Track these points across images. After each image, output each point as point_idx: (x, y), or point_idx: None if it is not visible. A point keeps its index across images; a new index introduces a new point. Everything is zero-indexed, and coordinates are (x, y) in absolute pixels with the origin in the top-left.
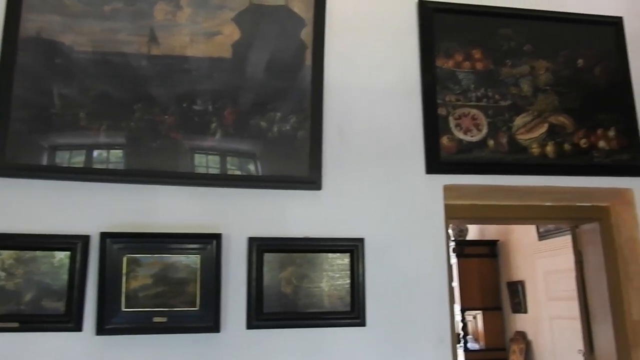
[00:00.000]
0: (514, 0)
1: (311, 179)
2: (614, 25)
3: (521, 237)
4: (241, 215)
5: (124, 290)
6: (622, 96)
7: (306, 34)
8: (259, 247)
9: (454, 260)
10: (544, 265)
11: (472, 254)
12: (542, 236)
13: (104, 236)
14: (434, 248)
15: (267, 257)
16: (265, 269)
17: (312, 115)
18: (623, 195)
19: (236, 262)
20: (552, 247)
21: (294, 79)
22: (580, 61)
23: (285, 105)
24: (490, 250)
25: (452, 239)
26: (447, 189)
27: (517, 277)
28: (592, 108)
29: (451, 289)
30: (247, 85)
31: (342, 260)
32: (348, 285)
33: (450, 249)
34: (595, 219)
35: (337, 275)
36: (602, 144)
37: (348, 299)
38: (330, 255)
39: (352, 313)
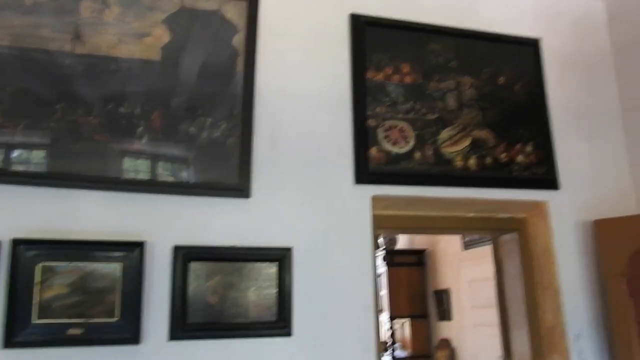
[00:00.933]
0: (443, 18)
1: (240, 187)
2: (532, 46)
3: (447, 247)
4: (167, 223)
5: (36, 300)
6: (539, 113)
7: (238, 40)
8: (185, 255)
9: (383, 269)
10: (468, 274)
11: (401, 262)
12: (466, 246)
13: (16, 243)
14: (361, 257)
15: (193, 265)
16: (191, 278)
17: (242, 122)
18: (539, 207)
19: (160, 271)
20: (475, 257)
21: (225, 85)
22: (501, 78)
23: (215, 111)
24: (418, 259)
25: (382, 248)
26: (376, 199)
27: (443, 285)
28: (511, 123)
29: (377, 299)
30: (177, 89)
31: (270, 269)
32: (275, 295)
33: (380, 258)
34: (514, 230)
35: (265, 284)
36: (520, 158)
37: (275, 308)
38: (258, 264)
39: (279, 323)
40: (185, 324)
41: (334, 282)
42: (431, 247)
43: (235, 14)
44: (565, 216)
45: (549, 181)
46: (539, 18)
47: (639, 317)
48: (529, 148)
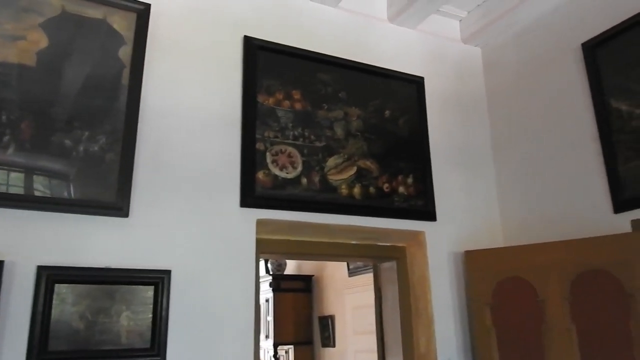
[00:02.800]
0: (334, 49)
1: (118, 205)
2: (416, 84)
3: (334, 273)
4: (32, 241)
5: None
6: (420, 147)
7: (125, 53)
8: (50, 276)
9: (270, 294)
10: (353, 300)
11: (288, 288)
12: (351, 272)
13: None
14: (244, 282)
15: (59, 288)
16: (56, 301)
17: (124, 138)
18: (417, 237)
19: (20, 293)
20: (360, 283)
21: (108, 97)
22: (387, 112)
23: (95, 124)
24: (305, 285)
25: (271, 273)
26: (260, 223)
27: (328, 311)
28: (395, 156)
29: (258, 324)
30: (53, 98)
31: (146, 293)
32: (150, 320)
33: (267, 283)
34: (393, 258)
35: (139, 309)
36: (401, 189)
37: (149, 334)
38: (132, 287)
39: (152, 350)
40: (47, 352)
41: (214, 307)
42: (318, 273)
43: (123, 25)
44: (440, 246)
45: (427, 213)
46: (423, 58)
47: (500, 344)
48: (409, 180)
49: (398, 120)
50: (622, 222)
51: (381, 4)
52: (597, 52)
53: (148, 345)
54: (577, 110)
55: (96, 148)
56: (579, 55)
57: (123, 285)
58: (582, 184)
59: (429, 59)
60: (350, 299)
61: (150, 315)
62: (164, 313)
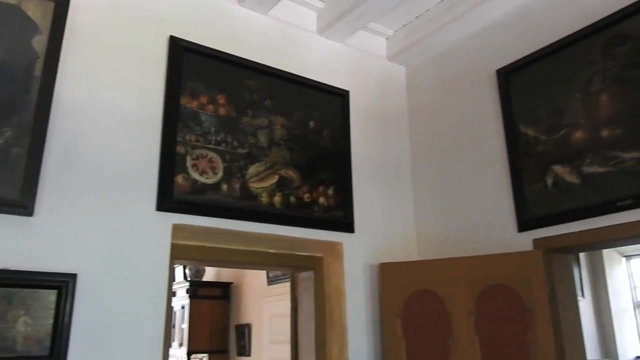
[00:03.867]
0: (262, 57)
1: (22, 203)
2: (341, 97)
3: (253, 281)
4: None
5: None
6: (342, 160)
7: (39, 42)
8: None
9: (186, 301)
10: (270, 309)
11: (205, 295)
12: (271, 281)
13: None
14: (155, 288)
15: None
16: None
17: (33, 133)
18: (335, 248)
19: None
20: (278, 292)
21: (17, 88)
22: (311, 123)
23: (1, 116)
24: (223, 292)
25: (188, 279)
26: (176, 228)
27: (245, 320)
28: (317, 166)
29: (168, 333)
30: None
31: (48, 297)
32: (50, 326)
33: (184, 290)
34: (311, 268)
35: (40, 314)
36: (322, 200)
37: (48, 341)
38: (33, 291)
39: (50, 358)
40: None
41: (122, 314)
42: (237, 280)
43: (38, 13)
44: (357, 258)
45: (346, 224)
46: (350, 72)
47: (410, 355)
48: (330, 191)
49: (322, 131)
50: (526, 240)
51: (311, 16)
52: (510, 78)
53: (47, 353)
54: (489, 132)
55: (1, 141)
56: (493, 80)
57: (22, 289)
58: (492, 203)
59: (355, 73)
60: (268, 307)
61: (52, 321)
62: (66, 319)
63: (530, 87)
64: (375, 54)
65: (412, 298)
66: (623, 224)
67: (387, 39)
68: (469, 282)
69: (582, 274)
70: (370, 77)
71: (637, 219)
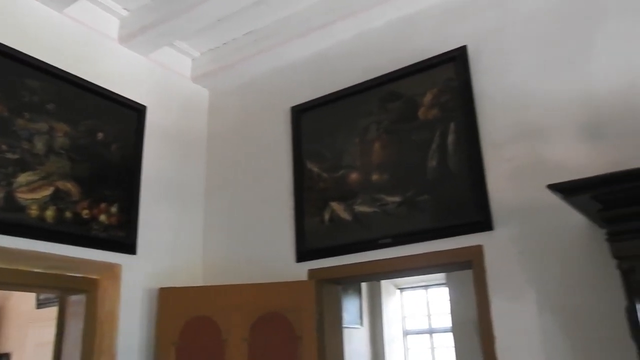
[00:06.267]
0: (51, 57)
1: None
2: (138, 112)
3: (19, 304)
4: None
5: None
6: (131, 177)
7: None
8: None
9: None
10: (38, 336)
11: None
12: (41, 304)
13: None
14: None
15: None
16: None
17: None
18: (113, 270)
19: None
20: (50, 317)
21: None
22: (100, 134)
23: None
24: None
25: None
26: None
27: (4, 348)
28: (101, 181)
29: None
30: None
31: None
32: None
33: None
34: (83, 291)
35: None
36: (103, 217)
37: None
38: None
39: None
40: None
41: None
42: (1, 303)
43: None
44: (136, 281)
45: (127, 245)
46: (150, 88)
47: None
48: (113, 209)
49: (111, 145)
50: (303, 271)
51: (114, 23)
52: (302, 116)
53: None
54: (281, 165)
55: None
56: (288, 116)
57: None
58: (277, 233)
59: (156, 89)
60: (35, 334)
61: None
62: None
63: (319, 127)
64: (180, 73)
65: (190, 325)
66: (383, 259)
67: (193, 60)
68: (246, 310)
69: (362, 304)
70: (172, 95)
71: (394, 256)
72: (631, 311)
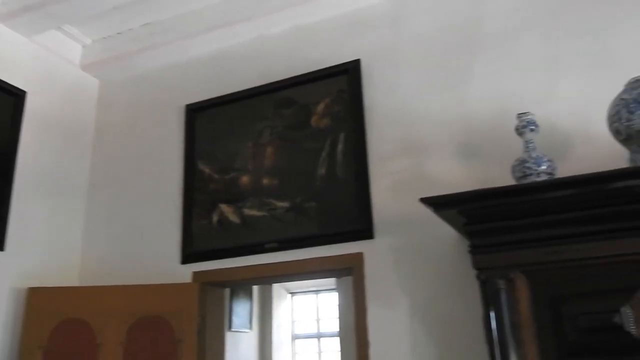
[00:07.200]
0: None
1: None
2: (16, 97)
3: None
4: None
5: None
6: (3, 167)
7: None
8: None
9: None
10: None
11: None
12: None
13: None
14: None
15: None
16: None
17: None
18: None
19: None
20: None
21: None
22: None
23: None
24: None
25: None
26: None
27: None
28: None
29: None
30: None
31: None
32: None
33: None
34: None
35: None
36: None
37: None
38: None
39: None
40: None
41: None
42: None
43: None
44: (3, 280)
45: None
46: (32, 72)
47: None
48: None
49: None
50: (187, 273)
51: None
52: (196, 115)
53: None
54: (171, 164)
55: None
56: (182, 114)
57: None
58: (162, 233)
59: (38, 74)
60: None
61: None
62: None
63: (213, 128)
64: (68, 60)
65: (61, 327)
66: (269, 264)
67: (83, 47)
68: (123, 312)
69: (253, 308)
70: (57, 82)
71: (281, 260)
72: (486, 318)
